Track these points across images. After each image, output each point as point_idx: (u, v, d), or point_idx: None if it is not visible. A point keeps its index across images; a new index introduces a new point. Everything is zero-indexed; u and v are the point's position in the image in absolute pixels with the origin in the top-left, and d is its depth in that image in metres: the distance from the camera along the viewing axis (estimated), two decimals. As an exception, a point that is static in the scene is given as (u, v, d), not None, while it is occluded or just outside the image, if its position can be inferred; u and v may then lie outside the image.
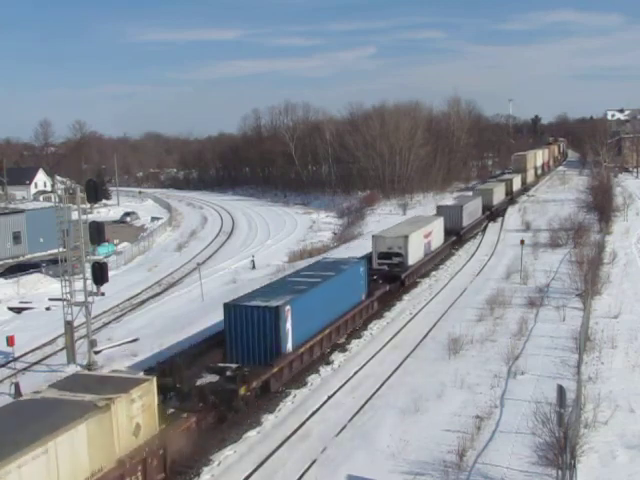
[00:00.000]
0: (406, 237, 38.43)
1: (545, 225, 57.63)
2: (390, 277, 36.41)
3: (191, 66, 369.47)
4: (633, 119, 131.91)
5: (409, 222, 46.28)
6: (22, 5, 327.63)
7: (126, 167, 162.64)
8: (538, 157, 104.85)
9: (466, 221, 53.69)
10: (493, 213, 64.69)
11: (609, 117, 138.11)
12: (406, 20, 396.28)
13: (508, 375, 24.47)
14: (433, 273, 43.66)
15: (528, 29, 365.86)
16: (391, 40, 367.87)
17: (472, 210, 56.32)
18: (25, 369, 28.14)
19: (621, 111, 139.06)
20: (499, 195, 68.76)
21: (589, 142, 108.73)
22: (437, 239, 45.46)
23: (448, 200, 75.95)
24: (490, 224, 62.35)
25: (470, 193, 73.88)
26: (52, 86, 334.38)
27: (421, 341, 29.41)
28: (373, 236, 39.82)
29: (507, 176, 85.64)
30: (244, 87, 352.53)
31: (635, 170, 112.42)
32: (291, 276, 29.87)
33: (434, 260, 44.57)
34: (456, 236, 51.35)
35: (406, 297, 37.62)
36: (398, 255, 38.05)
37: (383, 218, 73.93)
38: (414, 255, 39.32)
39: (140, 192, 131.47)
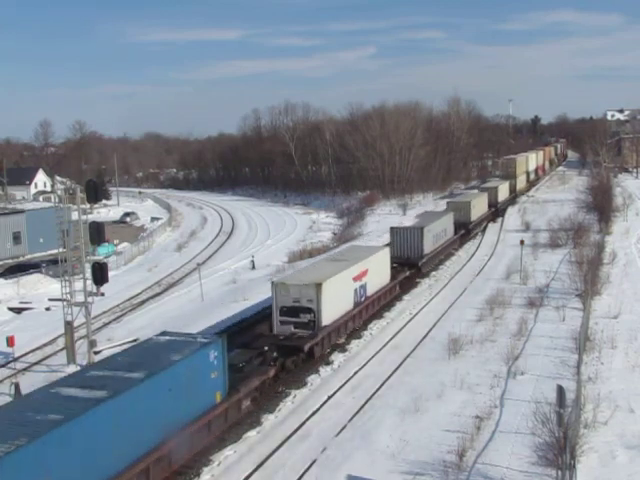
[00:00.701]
0: (319, 285, 26.64)
1: (545, 225, 57.60)
2: (290, 348, 25.31)
3: (191, 66, 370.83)
4: (633, 119, 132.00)
5: (334, 258, 34.33)
6: (22, 5, 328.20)
7: (126, 167, 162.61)
8: (531, 160, 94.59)
9: (429, 247, 42.30)
10: (470, 231, 54.23)
11: (609, 117, 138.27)
12: (406, 20, 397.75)
13: (508, 375, 24.47)
14: (433, 273, 43.67)
15: (528, 29, 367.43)
16: (391, 40, 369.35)
17: (439, 231, 45.56)
18: (25, 369, 28.14)
19: (621, 111, 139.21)
20: (480, 208, 58.29)
21: (589, 142, 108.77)
22: (378, 278, 33.82)
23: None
24: (490, 224, 62.28)
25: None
26: (52, 86, 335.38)
27: (421, 341, 29.41)
28: (272, 283, 27.82)
29: (492, 184, 73.28)
30: (244, 87, 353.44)
31: (635, 170, 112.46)
32: (60, 383, 16.81)
33: (370, 309, 32.72)
34: (412, 269, 39.86)
35: (406, 297, 37.63)
36: (308, 311, 26.65)
37: (383, 218, 73.96)
38: (334, 309, 27.80)
39: (140, 192, 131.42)
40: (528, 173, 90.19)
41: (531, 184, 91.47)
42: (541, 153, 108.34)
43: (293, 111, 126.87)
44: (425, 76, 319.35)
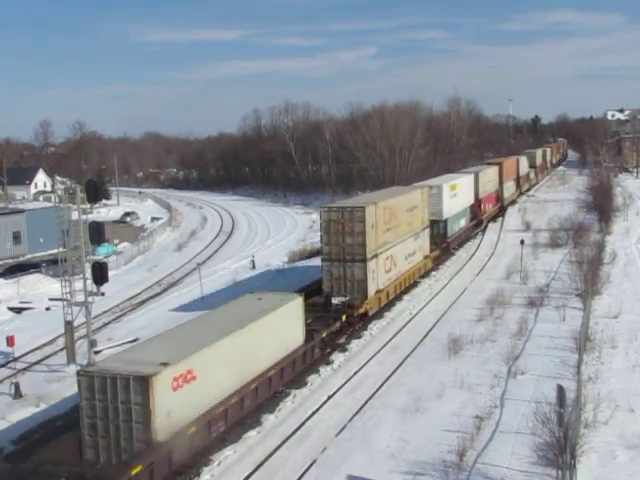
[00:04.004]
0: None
1: (545, 225, 57.53)
2: None
3: (191, 66, 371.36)
4: (633, 119, 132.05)
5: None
6: (22, 5, 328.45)
7: (126, 167, 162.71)
8: (453, 194, 45.99)
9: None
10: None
11: (609, 117, 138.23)
12: (407, 20, 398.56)
13: (508, 375, 24.45)
14: (433, 273, 43.63)
15: (528, 29, 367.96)
16: (392, 40, 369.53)
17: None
18: (25, 369, 28.12)
19: (621, 111, 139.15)
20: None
21: (589, 142, 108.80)
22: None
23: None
24: (490, 224, 62.13)
25: None
26: (52, 86, 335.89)
27: (421, 341, 29.39)
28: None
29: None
30: (244, 87, 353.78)
31: (635, 170, 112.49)
32: None
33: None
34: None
35: (406, 297, 37.61)
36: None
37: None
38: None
39: (140, 192, 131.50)
40: (444, 229, 44.73)
41: (436, 259, 43.50)
42: (492, 170, 58.30)
43: (293, 111, 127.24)
44: (425, 76, 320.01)
